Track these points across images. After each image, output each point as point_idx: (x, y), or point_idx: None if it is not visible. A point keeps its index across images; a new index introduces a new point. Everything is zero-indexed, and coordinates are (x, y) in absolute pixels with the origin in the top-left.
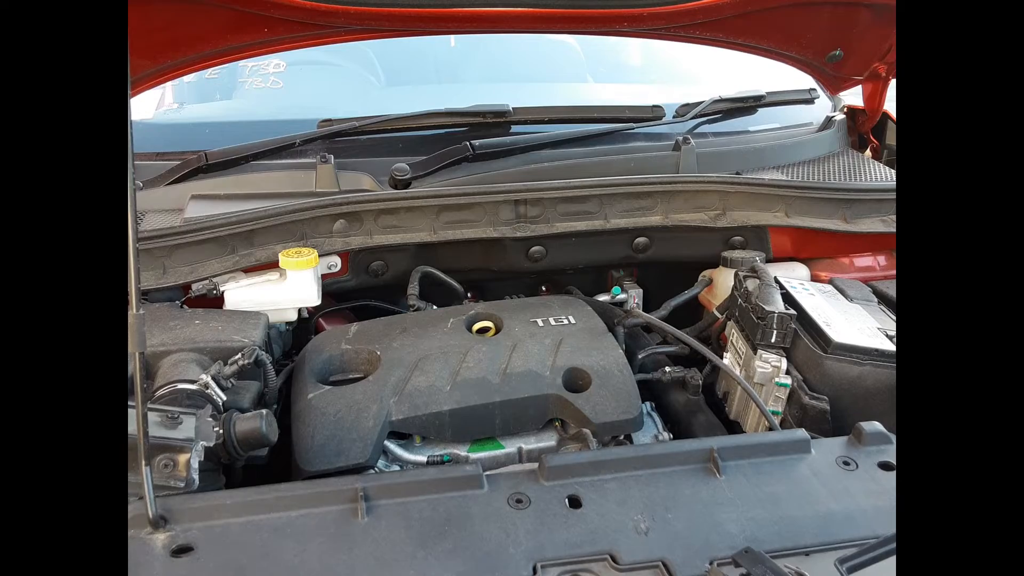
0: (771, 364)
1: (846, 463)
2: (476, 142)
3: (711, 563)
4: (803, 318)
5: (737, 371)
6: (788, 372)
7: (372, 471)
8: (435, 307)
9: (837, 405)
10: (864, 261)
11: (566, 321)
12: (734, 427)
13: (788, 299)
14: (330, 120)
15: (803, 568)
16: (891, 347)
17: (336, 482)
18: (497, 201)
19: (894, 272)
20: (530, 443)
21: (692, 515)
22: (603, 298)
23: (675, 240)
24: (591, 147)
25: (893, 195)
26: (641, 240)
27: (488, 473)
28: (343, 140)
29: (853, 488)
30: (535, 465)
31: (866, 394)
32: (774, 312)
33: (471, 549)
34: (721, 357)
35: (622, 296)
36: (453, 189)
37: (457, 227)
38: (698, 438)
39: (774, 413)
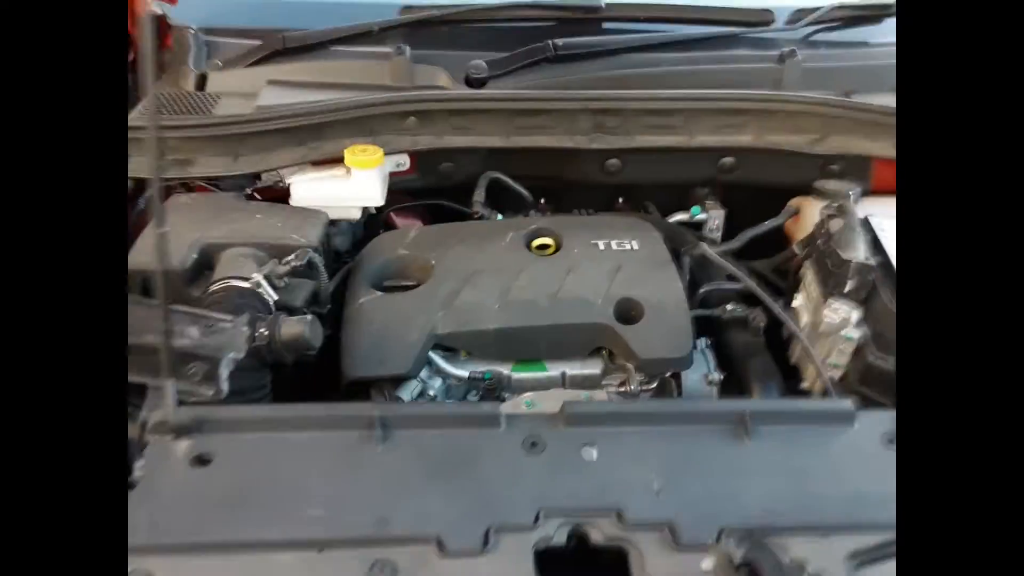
0: (840, 315)
1: (892, 441)
2: (559, 42)
3: (719, 534)
4: (887, 269)
5: (806, 316)
6: (859, 325)
7: (414, 382)
8: (500, 215)
9: None
10: None
11: (628, 247)
12: (795, 372)
13: (876, 246)
14: (411, 7)
15: (817, 550)
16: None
17: (355, 407)
18: (575, 109)
19: None
20: (575, 368)
21: (710, 479)
22: (680, 217)
23: (766, 163)
24: (686, 53)
25: None
26: (727, 160)
27: (507, 414)
28: (422, 29)
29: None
30: (556, 409)
31: None
32: (851, 261)
33: (478, 488)
34: (795, 296)
35: (701, 216)
36: (529, 93)
37: (531, 133)
38: (733, 398)
39: (835, 366)
